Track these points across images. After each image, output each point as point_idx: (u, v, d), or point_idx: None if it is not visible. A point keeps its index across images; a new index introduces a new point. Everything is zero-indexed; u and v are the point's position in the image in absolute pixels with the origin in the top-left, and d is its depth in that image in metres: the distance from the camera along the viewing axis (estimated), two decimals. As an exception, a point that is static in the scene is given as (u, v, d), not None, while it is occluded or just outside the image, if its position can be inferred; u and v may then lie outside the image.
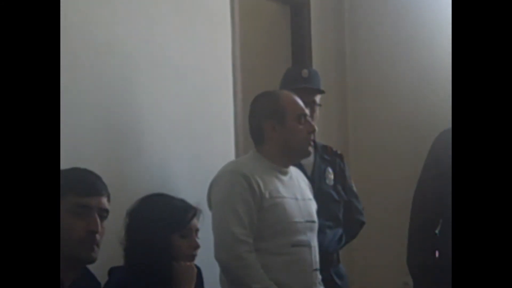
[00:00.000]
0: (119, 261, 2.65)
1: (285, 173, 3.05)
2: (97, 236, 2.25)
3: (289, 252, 2.93)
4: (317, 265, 3.03)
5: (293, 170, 3.13)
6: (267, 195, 2.91)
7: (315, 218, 3.09)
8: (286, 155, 3.03)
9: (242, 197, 2.87)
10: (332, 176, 3.55)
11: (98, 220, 2.26)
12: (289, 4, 4.63)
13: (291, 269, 2.93)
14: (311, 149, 3.07)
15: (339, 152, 3.68)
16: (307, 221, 3.02)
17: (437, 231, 3.34)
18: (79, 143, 2.74)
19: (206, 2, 3.60)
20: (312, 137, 3.06)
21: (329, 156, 3.60)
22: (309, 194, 3.15)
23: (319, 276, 3.06)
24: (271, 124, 3.01)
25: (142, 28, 3.14)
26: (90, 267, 2.40)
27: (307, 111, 3.07)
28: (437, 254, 3.32)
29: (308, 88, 3.51)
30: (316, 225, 3.08)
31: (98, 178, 2.36)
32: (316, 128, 3.09)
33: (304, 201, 3.07)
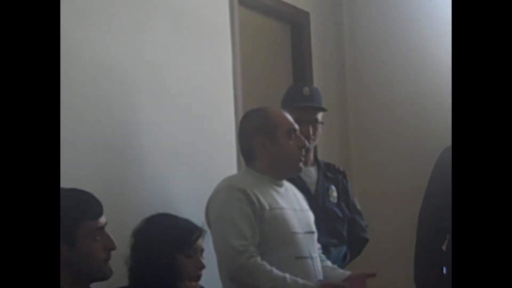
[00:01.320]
0: (123, 281, 2.64)
1: (280, 185, 3.04)
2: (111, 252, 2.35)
3: (293, 264, 2.90)
4: (321, 276, 3.01)
5: (286, 183, 3.12)
6: (267, 206, 2.90)
7: (314, 228, 3.07)
8: (277, 170, 3.02)
9: (241, 211, 2.86)
10: (335, 194, 3.54)
11: (112, 237, 2.35)
12: (290, 22, 4.63)
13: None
14: (302, 164, 3.05)
15: (341, 169, 3.68)
16: (307, 232, 3.00)
17: (444, 247, 3.32)
18: (80, 163, 2.74)
19: (207, 21, 3.61)
20: (303, 153, 3.04)
21: (332, 174, 3.59)
22: (305, 205, 3.13)
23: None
24: (262, 140, 3.02)
25: (142, 47, 3.15)
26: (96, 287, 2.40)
27: (296, 126, 3.06)
28: (444, 270, 3.31)
29: (310, 106, 3.51)
30: (315, 236, 3.06)
31: (94, 196, 2.38)
32: (307, 143, 3.07)
33: (302, 212, 3.06)
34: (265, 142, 3.01)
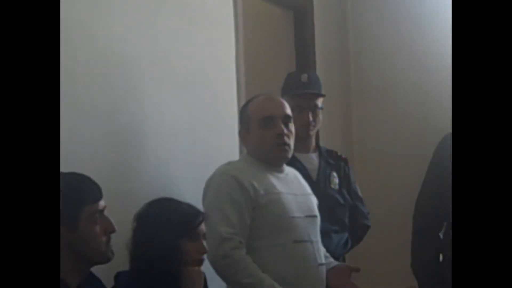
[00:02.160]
0: (125, 265, 2.65)
1: (280, 171, 3.05)
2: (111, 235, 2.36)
3: (291, 248, 2.91)
4: (322, 260, 3.01)
5: (290, 169, 3.13)
6: (262, 191, 2.90)
7: (316, 212, 3.07)
8: (263, 157, 3.01)
9: (231, 198, 2.87)
10: (337, 180, 3.54)
11: (111, 220, 2.36)
12: (293, 8, 4.63)
13: (296, 264, 2.92)
14: (283, 152, 3.01)
15: (343, 156, 3.68)
16: (307, 216, 3.00)
17: (441, 234, 3.33)
18: (83, 148, 2.74)
19: (210, 7, 3.61)
20: (284, 140, 3.00)
21: (334, 160, 3.60)
22: (308, 189, 3.14)
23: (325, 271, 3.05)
24: (242, 132, 3.10)
25: (145, 34, 3.15)
26: (96, 271, 2.41)
27: (279, 112, 3.01)
28: (441, 257, 3.32)
29: (309, 93, 3.50)
30: (317, 220, 3.06)
31: (93, 180, 2.39)
32: (285, 130, 3.00)
33: (303, 196, 3.06)
34: (243, 133, 3.09)
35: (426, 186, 3.34)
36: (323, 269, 3.02)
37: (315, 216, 3.06)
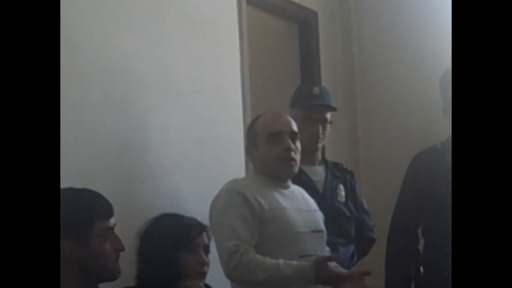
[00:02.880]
0: (130, 281, 2.65)
1: (285, 187, 3.05)
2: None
3: None
4: None
5: (296, 186, 3.13)
6: (267, 207, 2.90)
7: (323, 227, 3.07)
8: (269, 173, 3.02)
9: (238, 213, 2.86)
10: (343, 193, 3.54)
11: (120, 238, 2.37)
12: (297, 22, 4.63)
13: None
14: (290, 168, 3.01)
15: (349, 169, 3.68)
16: (313, 231, 3.00)
17: (420, 248, 3.38)
18: (88, 164, 2.74)
19: (215, 20, 3.61)
20: (291, 155, 2.99)
21: (340, 173, 3.60)
22: (314, 205, 3.13)
23: None
24: (248, 147, 3.11)
25: (151, 47, 3.15)
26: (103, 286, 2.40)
27: (287, 128, 3.02)
28: (421, 269, 3.35)
29: (320, 106, 3.51)
30: (324, 235, 3.06)
31: (104, 197, 2.39)
32: (292, 145, 3.00)
33: (309, 212, 3.06)
34: (250, 149, 3.08)
35: (400, 204, 3.40)
36: None
37: (321, 231, 3.05)
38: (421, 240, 3.45)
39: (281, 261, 2.78)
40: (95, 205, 2.33)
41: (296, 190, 3.11)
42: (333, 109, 3.56)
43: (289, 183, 3.08)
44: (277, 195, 2.98)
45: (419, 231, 3.44)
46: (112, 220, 2.35)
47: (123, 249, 2.35)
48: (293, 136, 3.04)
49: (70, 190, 2.31)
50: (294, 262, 2.79)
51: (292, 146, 3.01)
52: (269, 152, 3.00)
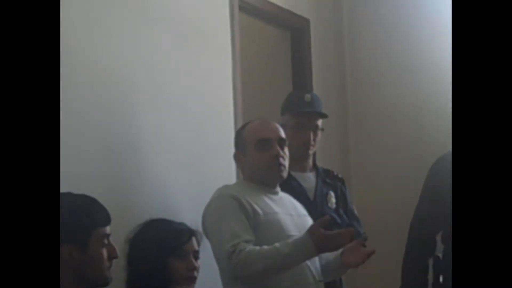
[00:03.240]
0: (122, 285, 2.65)
1: (274, 193, 3.05)
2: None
3: None
4: (321, 277, 3.00)
5: (284, 194, 3.13)
6: (260, 212, 2.91)
7: None
8: (259, 179, 3.03)
9: (234, 217, 2.86)
10: (334, 200, 3.54)
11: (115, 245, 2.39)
12: (290, 29, 4.64)
13: (295, 282, 2.90)
14: (280, 173, 3.02)
15: (340, 176, 3.68)
16: None
17: (440, 255, 3.35)
18: (78, 167, 2.73)
19: (207, 26, 3.62)
20: (280, 161, 3.01)
21: (331, 180, 3.60)
22: (303, 210, 3.14)
23: None
24: (237, 154, 3.11)
25: (143, 52, 3.15)
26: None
27: (275, 135, 3.04)
28: (441, 279, 3.33)
29: (311, 112, 3.52)
30: None
31: (101, 204, 2.40)
32: (281, 152, 3.02)
33: (299, 217, 3.07)
34: (239, 156, 3.10)
35: (420, 210, 3.37)
36: (322, 286, 3.03)
37: None
38: (441, 247, 3.42)
39: (276, 244, 2.78)
40: (96, 212, 2.35)
41: (285, 196, 3.12)
42: (324, 116, 3.57)
43: (278, 189, 3.08)
44: (267, 200, 2.99)
45: (439, 237, 3.42)
46: (109, 228, 2.36)
47: (116, 257, 2.37)
48: (281, 142, 3.05)
49: (70, 194, 2.33)
50: (289, 241, 2.79)
51: (281, 152, 3.02)
52: (258, 159, 3.01)
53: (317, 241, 2.74)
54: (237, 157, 3.12)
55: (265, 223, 2.90)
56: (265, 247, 2.79)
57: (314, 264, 3.00)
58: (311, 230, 2.78)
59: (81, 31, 2.84)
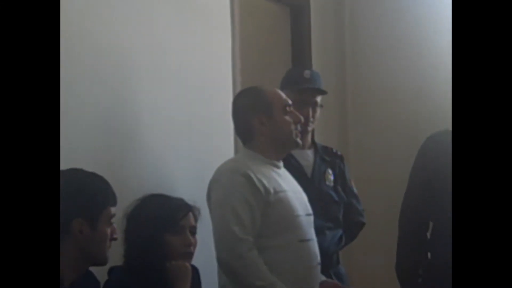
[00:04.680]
0: (118, 260, 2.66)
1: (279, 167, 3.05)
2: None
3: (296, 248, 2.91)
4: (319, 259, 3.01)
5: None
6: (271, 190, 2.89)
7: (311, 210, 3.07)
8: (276, 148, 3.02)
9: (243, 197, 2.84)
10: (332, 177, 3.54)
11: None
12: (289, 5, 4.63)
13: (299, 264, 2.91)
14: (299, 140, 3.06)
15: (339, 153, 3.68)
16: (307, 215, 3.01)
17: (428, 234, 3.37)
18: (78, 144, 2.73)
19: (206, 3, 3.60)
20: (299, 128, 3.05)
21: (329, 157, 3.59)
22: (299, 186, 3.12)
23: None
24: (259, 118, 3.01)
25: (141, 29, 3.14)
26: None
27: (290, 101, 3.07)
28: (429, 255, 3.35)
29: (311, 89, 3.51)
30: (312, 218, 3.06)
31: (110, 185, 2.43)
32: (302, 118, 3.06)
33: (300, 194, 3.06)
34: (262, 120, 3.01)
35: (410, 190, 3.38)
36: (320, 268, 3.03)
37: (311, 214, 3.06)
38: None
39: (278, 282, 2.80)
40: (108, 191, 2.38)
41: (285, 171, 3.11)
42: (323, 92, 3.56)
43: (282, 163, 3.08)
44: (276, 177, 2.97)
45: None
46: (114, 209, 2.39)
47: (116, 239, 2.40)
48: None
49: (82, 171, 2.36)
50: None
51: (303, 119, 3.07)
52: (286, 123, 3.01)
53: None
54: (259, 120, 3.01)
55: (275, 203, 2.89)
56: (267, 272, 2.80)
57: (315, 245, 3.00)
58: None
59: (80, 7, 2.82)
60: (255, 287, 2.79)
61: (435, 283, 3.22)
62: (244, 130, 3.06)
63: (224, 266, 2.85)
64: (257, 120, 3.01)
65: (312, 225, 3.03)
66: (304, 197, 3.08)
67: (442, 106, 3.54)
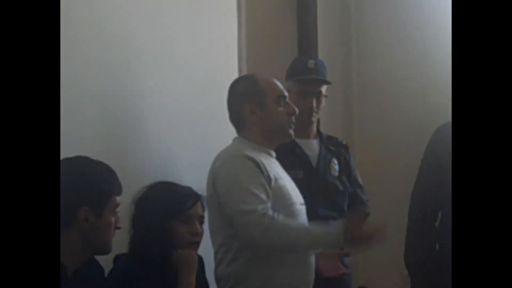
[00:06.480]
0: (124, 248, 2.66)
1: (273, 156, 3.02)
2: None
3: None
4: None
5: None
6: (272, 177, 2.87)
7: (303, 200, 3.04)
8: (268, 137, 2.98)
9: (255, 179, 2.81)
10: (337, 167, 3.54)
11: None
12: (296, -6, 4.62)
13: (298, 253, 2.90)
14: (292, 131, 3.01)
15: (344, 142, 3.68)
16: (301, 204, 2.99)
17: (436, 224, 3.36)
18: (83, 133, 2.73)
19: (213, -10, 3.60)
20: (292, 120, 3.00)
21: (334, 147, 3.59)
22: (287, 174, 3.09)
23: None
24: (251, 107, 2.97)
25: (147, 18, 3.13)
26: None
27: (286, 93, 3.04)
28: (437, 246, 3.35)
29: (315, 79, 3.50)
30: (305, 209, 3.02)
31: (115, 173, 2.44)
32: (296, 110, 3.01)
33: (292, 184, 3.03)
34: (254, 109, 2.97)
35: (420, 179, 3.38)
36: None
37: (304, 204, 3.03)
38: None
39: (303, 223, 2.81)
40: (114, 180, 2.38)
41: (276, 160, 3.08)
42: (327, 82, 3.55)
43: (274, 153, 3.04)
44: (272, 164, 2.96)
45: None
46: (119, 198, 2.39)
47: (120, 228, 2.40)
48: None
49: (88, 159, 2.35)
50: (320, 226, 2.79)
51: (297, 111, 3.01)
52: (279, 114, 2.97)
53: (349, 238, 2.74)
54: (250, 109, 2.98)
55: (276, 190, 2.87)
56: (291, 222, 2.79)
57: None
58: (348, 226, 2.75)
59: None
60: (289, 244, 2.78)
61: (442, 273, 3.22)
62: (237, 118, 3.02)
63: (258, 242, 2.78)
64: (249, 108, 2.97)
65: (305, 215, 3.01)
66: (295, 187, 3.05)
67: (448, 97, 3.53)
